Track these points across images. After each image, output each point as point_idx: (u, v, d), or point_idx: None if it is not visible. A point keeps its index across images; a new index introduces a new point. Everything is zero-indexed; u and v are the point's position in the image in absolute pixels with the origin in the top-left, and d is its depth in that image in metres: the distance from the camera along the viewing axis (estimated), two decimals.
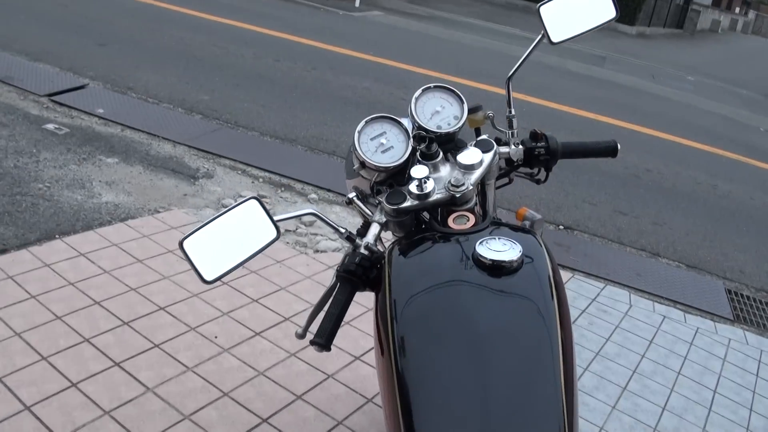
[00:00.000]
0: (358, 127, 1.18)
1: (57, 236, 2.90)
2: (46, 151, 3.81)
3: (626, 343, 2.95)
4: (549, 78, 8.74)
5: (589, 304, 3.32)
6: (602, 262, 3.89)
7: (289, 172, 4.25)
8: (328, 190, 4.12)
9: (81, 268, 2.71)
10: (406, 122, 1.21)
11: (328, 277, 3.03)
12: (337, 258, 3.19)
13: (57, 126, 4.25)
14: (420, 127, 1.19)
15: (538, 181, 1.33)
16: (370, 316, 2.67)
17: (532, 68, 9.01)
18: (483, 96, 7.12)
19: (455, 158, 1.15)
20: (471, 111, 1.26)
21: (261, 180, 4.10)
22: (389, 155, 1.15)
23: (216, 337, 2.49)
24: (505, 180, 1.34)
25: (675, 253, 4.17)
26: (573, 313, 3.21)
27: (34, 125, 4.17)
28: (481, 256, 0.93)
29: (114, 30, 6.93)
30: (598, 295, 3.44)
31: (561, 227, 4.36)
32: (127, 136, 4.44)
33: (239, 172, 4.14)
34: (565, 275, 3.61)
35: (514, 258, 0.93)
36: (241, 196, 3.80)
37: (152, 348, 2.33)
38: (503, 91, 1.33)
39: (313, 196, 4.00)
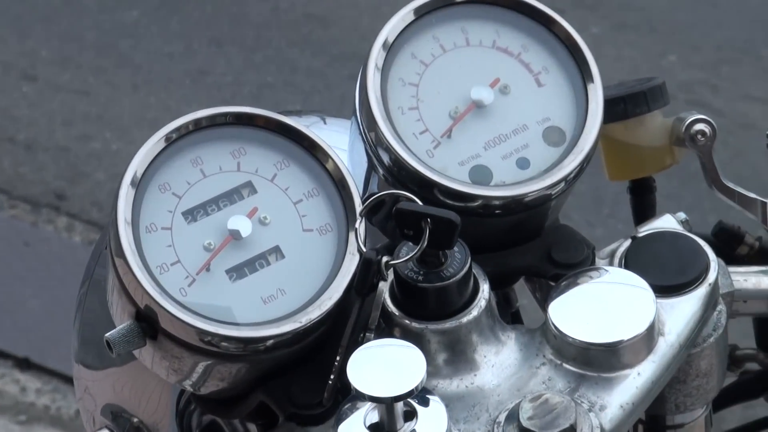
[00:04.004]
0: (133, 169, 0.68)
1: None
2: None
3: None
4: None
5: None
6: None
7: None
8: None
9: None
10: (334, 142, 0.76)
11: None
12: None
13: None
14: (400, 172, 0.72)
15: None
16: None
17: None
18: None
19: (545, 310, 0.70)
20: (621, 106, 0.79)
21: None
22: (258, 288, 0.68)
23: None
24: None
25: None
26: None
27: None
28: None
29: None
30: None
31: None
32: None
33: None
34: None
35: None
36: None
37: None
38: None
39: None
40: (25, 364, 2.26)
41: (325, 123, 0.91)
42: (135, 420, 0.88)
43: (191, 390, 0.71)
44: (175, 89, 2.78)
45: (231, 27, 2.90)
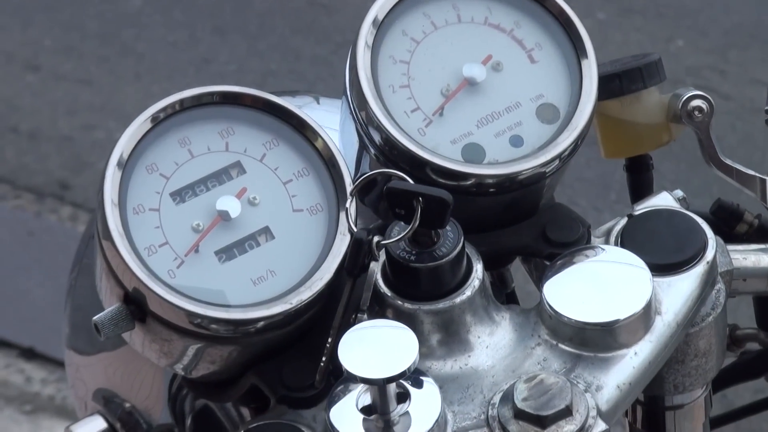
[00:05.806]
0: (119, 150, 0.66)
1: None
2: None
3: None
4: None
5: None
6: None
7: None
8: None
9: None
10: (327, 122, 0.75)
11: None
12: None
13: None
14: (392, 151, 0.70)
15: None
16: None
17: None
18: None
19: (540, 290, 0.69)
20: (617, 82, 0.79)
21: None
22: (248, 270, 0.67)
23: None
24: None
25: None
26: None
27: None
28: None
29: None
30: None
31: None
32: None
33: None
34: None
35: None
36: None
37: None
38: None
39: None
40: (30, 354, 2.24)
41: (318, 103, 0.89)
42: (127, 405, 0.87)
43: (182, 374, 0.70)
44: (178, 78, 2.68)
45: (234, 15, 2.83)
